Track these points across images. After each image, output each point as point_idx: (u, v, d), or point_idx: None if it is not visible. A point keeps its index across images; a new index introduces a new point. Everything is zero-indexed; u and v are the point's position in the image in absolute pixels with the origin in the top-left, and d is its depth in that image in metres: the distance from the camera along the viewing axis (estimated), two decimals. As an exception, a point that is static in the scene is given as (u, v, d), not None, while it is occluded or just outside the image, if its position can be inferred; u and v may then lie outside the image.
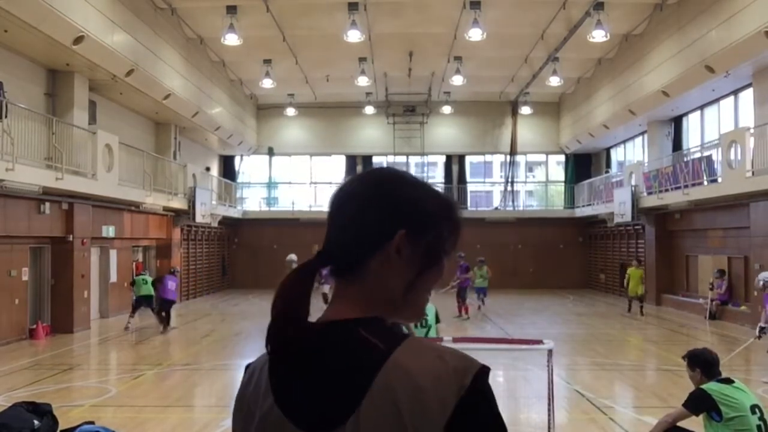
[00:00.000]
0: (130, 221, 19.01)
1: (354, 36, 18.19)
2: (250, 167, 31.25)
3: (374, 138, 30.11)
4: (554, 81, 23.53)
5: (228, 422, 7.62)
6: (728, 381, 4.78)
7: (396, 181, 1.20)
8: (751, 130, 15.28)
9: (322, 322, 1.15)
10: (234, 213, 27.86)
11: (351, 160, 30.03)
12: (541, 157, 31.43)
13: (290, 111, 28.94)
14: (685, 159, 19.92)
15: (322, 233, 1.22)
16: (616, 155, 28.35)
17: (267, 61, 22.69)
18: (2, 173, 11.63)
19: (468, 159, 30.82)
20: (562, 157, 30.75)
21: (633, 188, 21.39)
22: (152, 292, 15.74)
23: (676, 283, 21.21)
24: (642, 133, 24.46)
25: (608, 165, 28.74)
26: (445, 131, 30.10)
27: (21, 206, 13.67)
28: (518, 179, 31.14)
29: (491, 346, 8.36)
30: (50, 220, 14.77)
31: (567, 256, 29.06)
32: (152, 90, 17.96)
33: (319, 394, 1.08)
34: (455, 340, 6.65)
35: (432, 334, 7.11)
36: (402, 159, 30.49)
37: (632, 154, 26.33)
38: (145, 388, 9.84)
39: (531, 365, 10.46)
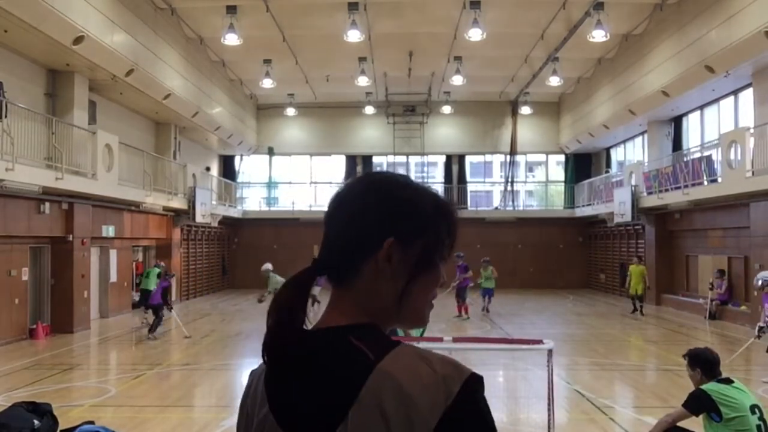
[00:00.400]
0: (130, 221, 19.01)
1: (354, 36, 18.19)
2: (250, 167, 31.23)
3: (374, 138, 30.10)
4: (554, 81, 23.53)
5: (228, 422, 7.64)
6: (728, 381, 4.77)
7: (387, 186, 1.18)
8: (751, 130, 15.27)
9: (315, 330, 1.15)
10: (234, 213, 27.87)
11: (351, 160, 30.02)
12: (541, 157, 31.41)
13: (290, 111, 28.95)
14: (685, 159, 19.92)
15: (321, 233, 1.22)
16: (616, 155, 28.33)
17: (267, 61, 22.69)
18: (2, 173, 11.64)
19: (468, 159, 30.80)
20: (562, 157, 30.74)
21: (633, 188, 21.36)
22: (148, 287, 15.17)
23: (676, 283, 21.21)
24: (642, 133, 24.46)
25: (608, 165, 28.72)
26: (445, 131, 30.08)
27: (21, 206, 13.67)
28: (518, 179, 31.12)
29: (491, 346, 8.37)
30: (50, 220, 14.77)
31: (567, 256, 29.07)
32: (152, 90, 17.96)
33: (310, 402, 1.08)
34: (455, 340, 6.64)
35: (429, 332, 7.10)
36: (402, 159, 30.52)
37: (632, 154, 26.31)
38: (145, 388, 9.83)
39: (531, 365, 10.47)
